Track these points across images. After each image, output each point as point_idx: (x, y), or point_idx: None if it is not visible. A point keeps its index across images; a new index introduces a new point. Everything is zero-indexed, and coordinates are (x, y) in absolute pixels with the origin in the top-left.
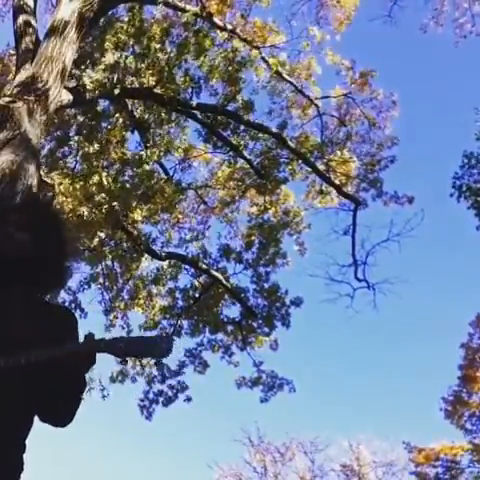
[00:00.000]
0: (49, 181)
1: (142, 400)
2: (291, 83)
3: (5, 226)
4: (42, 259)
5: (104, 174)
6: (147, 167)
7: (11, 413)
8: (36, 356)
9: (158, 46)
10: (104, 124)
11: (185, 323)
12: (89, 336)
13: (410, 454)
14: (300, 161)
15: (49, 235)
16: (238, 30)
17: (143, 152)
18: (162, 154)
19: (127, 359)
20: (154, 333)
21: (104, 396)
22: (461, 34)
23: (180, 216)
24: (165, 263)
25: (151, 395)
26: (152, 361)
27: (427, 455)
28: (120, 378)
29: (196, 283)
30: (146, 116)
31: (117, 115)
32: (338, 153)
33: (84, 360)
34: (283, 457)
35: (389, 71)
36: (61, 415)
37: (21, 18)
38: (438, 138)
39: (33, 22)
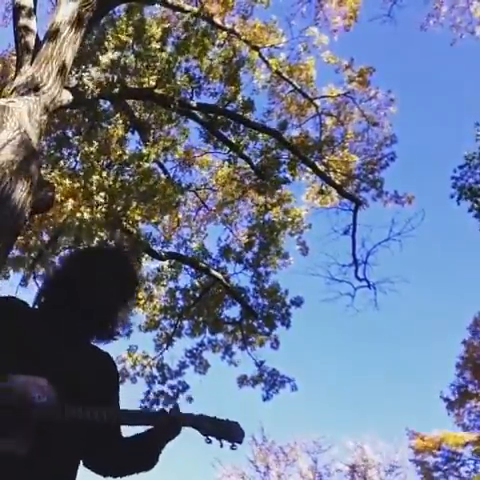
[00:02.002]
0: (49, 181)
1: (143, 401)
2: (290, 83)
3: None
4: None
5: (104, 174)
6: (147, 166)
7: (69, 459)
8: (122, 415)
9: (158, 46)
10: (104, 124)
11: (185, 323)
12: (175, 408)
13: (411, 441)
14: (300, 161)
15: (125, 298)
16: (238, 30)
17: (143, 151)
18: (162, 153)
19: (211, 438)
20: (155, 333)
21: None
22: (458, 33)
23: (180, 216)
24: (165, 263)
25: (152, 396)
26: (226, 443)
27: (430, 440)
28: (120, 379)
29: (196, 283)
30: (146, 116)
31: (117, 115)
32: (338, 153)
33: (168, 429)
34: (287, 457)
35: (388, 70)
36: (115, 473)
37: (21, 18)
38: (438, 138)
39: (33, 22)
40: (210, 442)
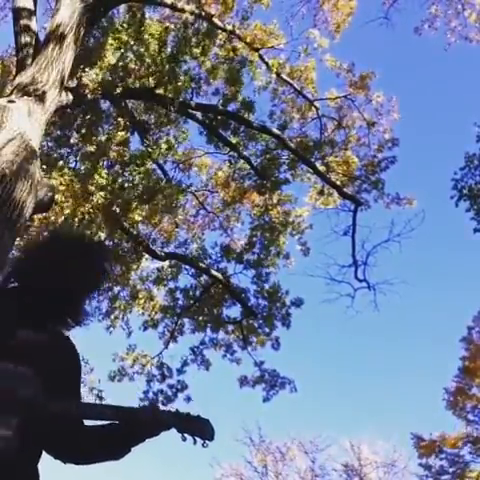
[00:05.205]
0: (49, 181)
1: (142, 399)
2: (291, 85)
3: (58, 263)
4: (77, 299)
5: (104, 174)
6: (147, 167)
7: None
8: (103, 410)
9: (158, 46)
10: (104, 124)
11: (186, 322)
12: (156, 407)
13: (417, 445)
14: (300, 162)
15: (90, 278)
16: (238, 32)
17: (143, 152)
18: (162, 155)
19: (186, 436)
20: (154, 332)
21: (101, 397)
22: (453, 38)
23: (180, 216)
24: (165, 263)
25: (150, 394)
26: (199, 440)
27: (429, 445)
28: (118, 377)
29: (197, 283)
30: (146, 117)
31: (117, 116)
32: (339, 154)
33: (151, 429)
34: (284, 457)
35: (388, 73)
36: (78, 459)
37: (21, 19)
38: (438, 139)
39: (33, 23)
40: (185, 440)
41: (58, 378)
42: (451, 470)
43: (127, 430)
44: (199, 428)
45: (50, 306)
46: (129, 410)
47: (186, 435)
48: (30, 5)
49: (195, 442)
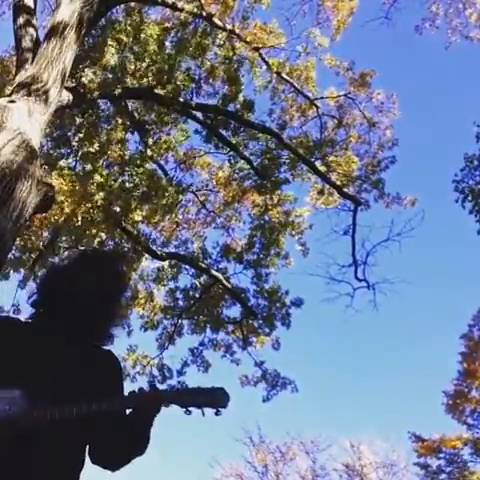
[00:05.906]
0: (49, 181)
1: None
2: (291, 84)
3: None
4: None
5: (104, 174)
6: (147, 167)
7: (69, 457)
8: (102, 406)
9: (157, 46)
10: (104, 124)
11: (185, 323)
12: (152, 387)
13: (414, 444)
14: (300, 161)
15: (114, 298)
16: (238, 31)
17: (143, 152)
18: (162, 154)
19: (191, 410)
20: (154, 333)
21: None
22: (454, 36)
23: (180, 217)
24: (165, 263)
25: None
26: (211, 410)
27: (428, 446)
28: (122, 373)
29: (197, 283)
30: (146, 117)
31: (117, 116)
32: (338, 153)
33: (147, 409)
34: (284, 457)
35: (389, 73)
36: (114, 462)
37: (21, 18)
38: (438, 139)
39: (33, 22)
40: (190, 413)
41: (86, 391)
42: (448, 469)
43: (133, 416)
44: (207, 399)
45: (80, 325)
46: (134, 393)
47: (191, 409)
48: (30, 3)
49: (203, 414)
